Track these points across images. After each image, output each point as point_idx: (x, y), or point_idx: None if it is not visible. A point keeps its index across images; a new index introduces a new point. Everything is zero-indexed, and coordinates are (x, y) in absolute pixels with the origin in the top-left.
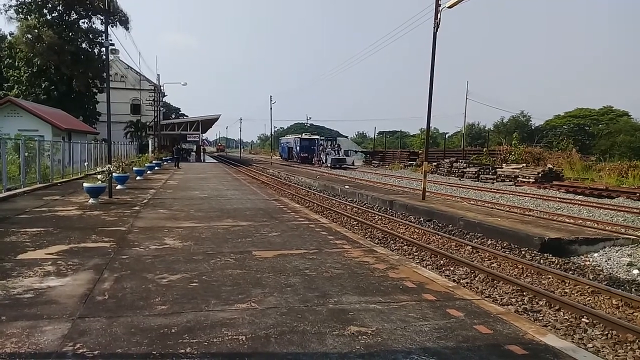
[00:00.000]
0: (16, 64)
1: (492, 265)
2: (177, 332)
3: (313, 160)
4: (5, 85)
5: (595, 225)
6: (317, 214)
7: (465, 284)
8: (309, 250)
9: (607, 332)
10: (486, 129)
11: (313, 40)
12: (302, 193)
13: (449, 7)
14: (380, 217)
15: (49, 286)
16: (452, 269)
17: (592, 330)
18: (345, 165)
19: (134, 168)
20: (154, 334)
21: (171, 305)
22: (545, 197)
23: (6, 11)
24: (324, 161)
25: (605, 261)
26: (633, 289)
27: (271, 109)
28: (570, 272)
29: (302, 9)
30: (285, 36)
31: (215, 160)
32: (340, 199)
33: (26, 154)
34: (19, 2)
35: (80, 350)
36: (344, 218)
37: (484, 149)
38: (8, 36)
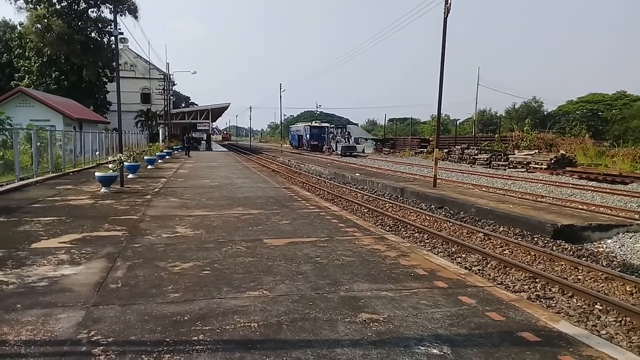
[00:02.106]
0: (26, 54)
1: (504, 252)
2: (190, 319)
3: (323, 148)
4: (16, 75)
5: (609, 211)
6: (328, 201)
7: (477, 271)
8: (320, 238)
9: (620, 319)
10: (498, 115)
11: (323, 28)
12: (312, 181)
13: None
14: (391, 204)
15: (63, 274)
16: (463, 256)
17: (606, 317)
18: (355, 153)
19: (145, 157)
20: (167, 322)
21: (183, 293)
22: (557, 184)
23: (15, 1)
24: (334, 149)
25: (619, 247)
26: None
27: (281, 96)
28: (584, 258)
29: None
30: (294, 24)
31: (225, 149)
32: (350, 186)
33: (38, 144)
34: None
35: (95, 338)
36: (354, 206)
37: (496, 136)
38: (18, 26)
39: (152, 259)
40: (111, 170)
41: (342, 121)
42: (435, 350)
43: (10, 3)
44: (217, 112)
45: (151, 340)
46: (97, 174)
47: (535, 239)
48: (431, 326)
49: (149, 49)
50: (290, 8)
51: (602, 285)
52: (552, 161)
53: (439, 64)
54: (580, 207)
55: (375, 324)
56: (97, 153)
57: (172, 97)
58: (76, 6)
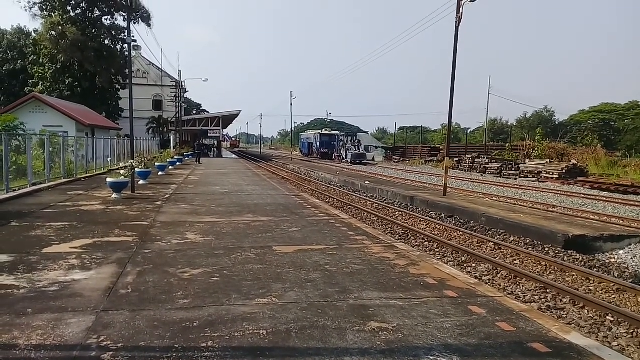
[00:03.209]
0: (41, 60)
1: (515, 262)
2: (199, 325)
3: (333, 156)
4: (30, 81)
5: (621, 222)
6: (338, 209)
7: (488, 281)
8: (330, 246)
9: (632, 331)
10: (509, 124)
11: (334, 36)
12: (322, 189)
13: (471, 0)
14: (400, 213)
15: (74, 279)
16: (474, 265)
17: (617, 329)
18: (365, 161)
19: (156, 163)
20: (176, 328)
21: (193, 299)
22: (569, 194)
23: (30, 8)
24: (344, 157)
25: (631, 258)
26: None
27: (291, 104)
28: (595, 269)
29: (321, 8)
30: (305, 33)
31: (235, 156)
32: (360, 194)
33: (51, 150)
34: None
35: (105, 343)
36: (364, 214)
37: (507, 145)
38: (33, 33)
39: (162, 265)
40: (122, 177)
41: (352, 129)
42: None
43: (26, 10)
44: (227, 119)
45: (160, 346)
46: (108, 179)
47: (547, 249)
48: (441, 336)
49: (161, 56)
50: (300, 17)
51: (613, 296)
52: (564, 171)
53: (450, 72)
54: (591, 217)
55: (385, 333)
56: (109, 159)
57: (183, 104)
58: (90, 14)
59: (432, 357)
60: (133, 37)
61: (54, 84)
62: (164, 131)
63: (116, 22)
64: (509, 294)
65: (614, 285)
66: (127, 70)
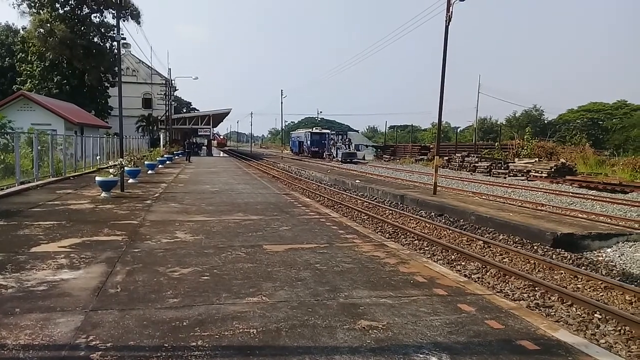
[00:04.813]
0: (29, 58)
1: (504, 260)
2: (189, 325)
3: (324, 154)
4: (18, 79)
5: (609, 220)
6: (328, 208)
7: (477, 279)
8: (320, 245)
9: (620, 328)
10: (498, 123)
11: (324, 35)
12: (312, 187)
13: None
14: (391, 211)
15: (62, 279)
16: (463, 263)
17: (605, 326)
18: (355, 160)
19: (146, 162)
20: (166, 327)
21: (182, 298)
22: (557, 192)
23: (19, 5)
24: (334, 155)
25: (619, 256)
26: None
27: (282, 103)
28: (583, 267)
29: (311, 7)
30: (295, 32)
31: (225, 155)
32: (350, 193)
33: (39, 148)
34: None
35: (93, 343)
36: (354, 212)
37: (496, 144)
38: (21, 30)
39: (152, 264)
40: (112, 175)
41: (342, 128)
42: (434, 358)
43: (14, 7)
44: (218, 117)
45: (150, 345)
46: (97, 178)
47: (535, 248)
48: (430, 334)
49: (151, 54)
50: (291, 15)
51: (601, 294)
52: (552, 170)
53: (440, 71)
54: (580, 215)
55: (374, 331)
56: (98, 158)
57: (173, 103)
58: (79, 11)
59: (421, 355)
60: (122, 34)
61: (42, 81)
62: (153, 129)
63: (105, 20)
64: (498, 292)
65: (601, 283)
66: (116, 68)
